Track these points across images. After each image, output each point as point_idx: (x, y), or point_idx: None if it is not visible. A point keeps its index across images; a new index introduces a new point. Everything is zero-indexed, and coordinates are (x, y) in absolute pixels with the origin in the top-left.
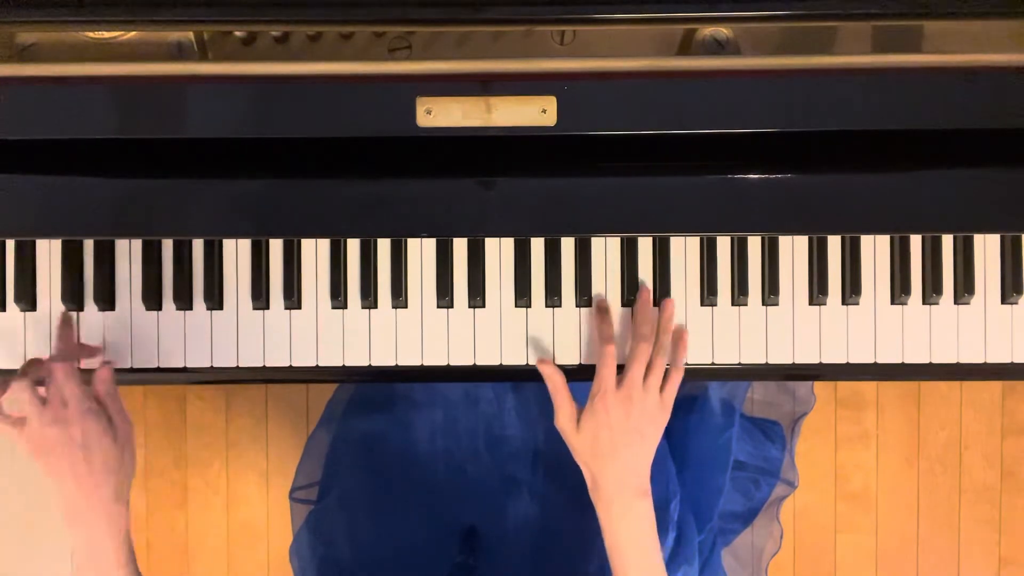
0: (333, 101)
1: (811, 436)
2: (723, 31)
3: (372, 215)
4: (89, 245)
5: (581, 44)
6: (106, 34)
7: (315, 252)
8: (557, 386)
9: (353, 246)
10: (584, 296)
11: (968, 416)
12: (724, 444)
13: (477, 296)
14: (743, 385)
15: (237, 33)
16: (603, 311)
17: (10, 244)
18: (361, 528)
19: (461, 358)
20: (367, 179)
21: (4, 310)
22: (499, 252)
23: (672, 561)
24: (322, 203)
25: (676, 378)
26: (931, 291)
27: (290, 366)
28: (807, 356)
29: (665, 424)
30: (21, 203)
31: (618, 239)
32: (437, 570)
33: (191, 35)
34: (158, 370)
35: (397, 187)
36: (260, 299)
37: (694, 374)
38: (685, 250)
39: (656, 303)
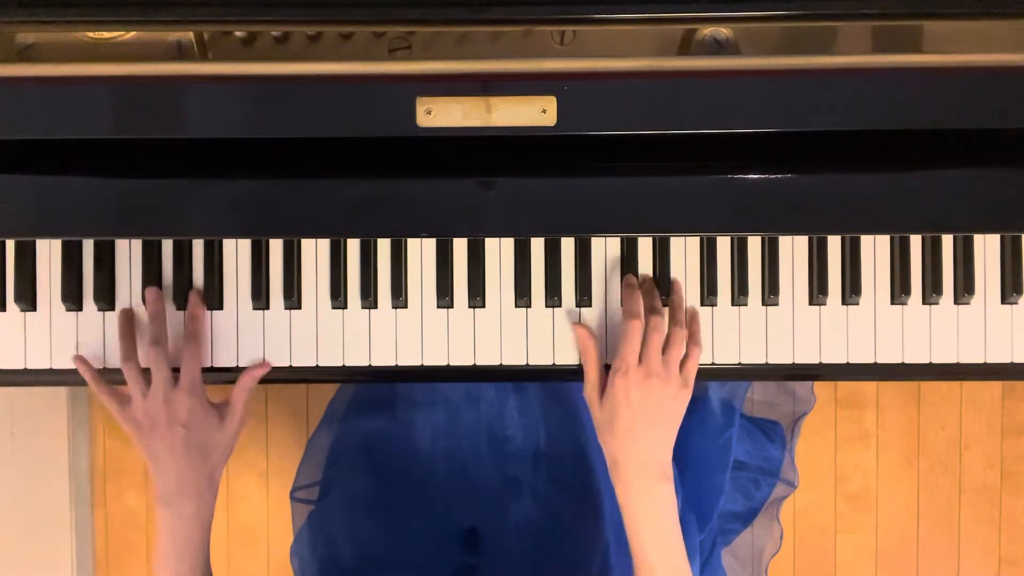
0: (333, 101)
1: (811, 436)
2: (723, 31)
3: (372, 215)
4: (89, 245)
5: (581, 44)
6: (106, 34)
7: (315, 252)
8: (588, 351)
9: (353, 246)
10: (584, 296)
11: (968, 416)
12: (724, 444)
13: (477, 296)
14: (743, 385)
15: (237, 33)
16: (631, 287)
17: (10, 244)
18: (362, 528)
19: (461, 358)
20: (367, 179)
21: (4, 310)
22: (499, 252)
23: None
24: (322, 203)
25: (696, 354)
26: (931, 291)
27: (290, 366)
28: (807, 356)
29: (687, 401)
30: (21, 203)
31: (618, 239)
32: (438, 570)
33: (191, 35)
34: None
35: (397, 187)
36: (260, 299)
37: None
38: (685, 250)
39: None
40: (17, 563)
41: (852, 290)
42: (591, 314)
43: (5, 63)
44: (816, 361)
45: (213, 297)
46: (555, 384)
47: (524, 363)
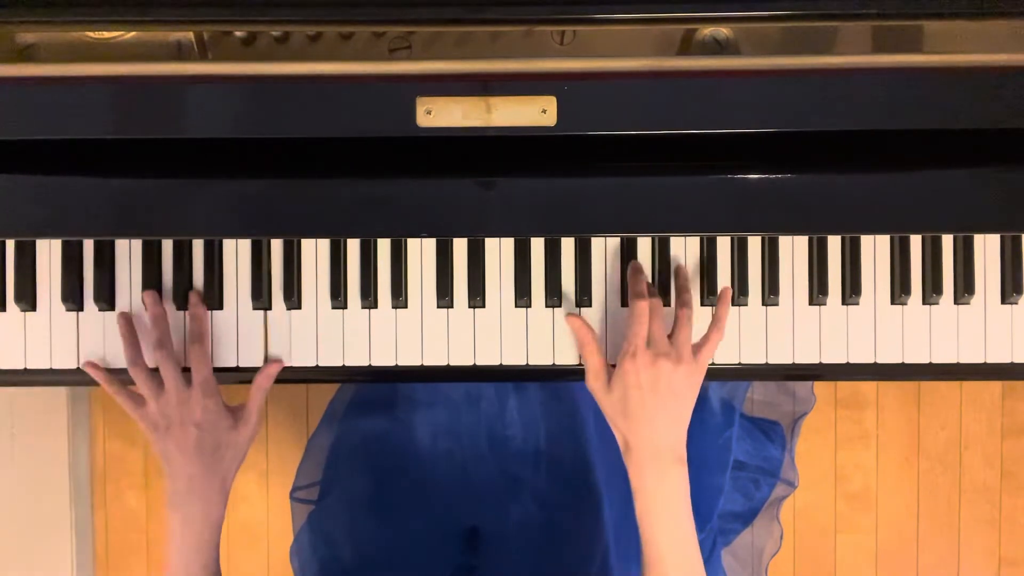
0: (333, 101)
1: (811, 436)
2: (723, 31)
3: (372, 215)
4: (89, 245)
5: (581, 44)
6: (106, 34)
7: (315, 252)
8: (586, 341)
9: (353, 246)
10: (584, 296)
11: (968, 416)
12: (724, 444)
13: (477, 296)
14: (743, 385)
15: (237, 33)
16: (637, 271)
17: (10, 244)
18: (362, 528)
19: (461, 358)
20: (367, 179)
21: (4, 310)
22: (499, 252)
23: None
24: (322, 203)
25: (715, 338)
26: (931, 291)
27: (290, 366)
28: (807, 356)
29: (700, 382)
30: (21, 203)
31: (618, 239)
32: (438, 570)
33: (191, 35)
34: (158, 370)
35: (397, 187)
36: (260, 299)
37: None
38: (685, 250)
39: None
40: (17, 563)
41: (852, 290)
42: (591, 314)
43: (5, 63)
44: (816, 361)
45: (213, 297)
46: (555, 384)
47: (524, 363)
